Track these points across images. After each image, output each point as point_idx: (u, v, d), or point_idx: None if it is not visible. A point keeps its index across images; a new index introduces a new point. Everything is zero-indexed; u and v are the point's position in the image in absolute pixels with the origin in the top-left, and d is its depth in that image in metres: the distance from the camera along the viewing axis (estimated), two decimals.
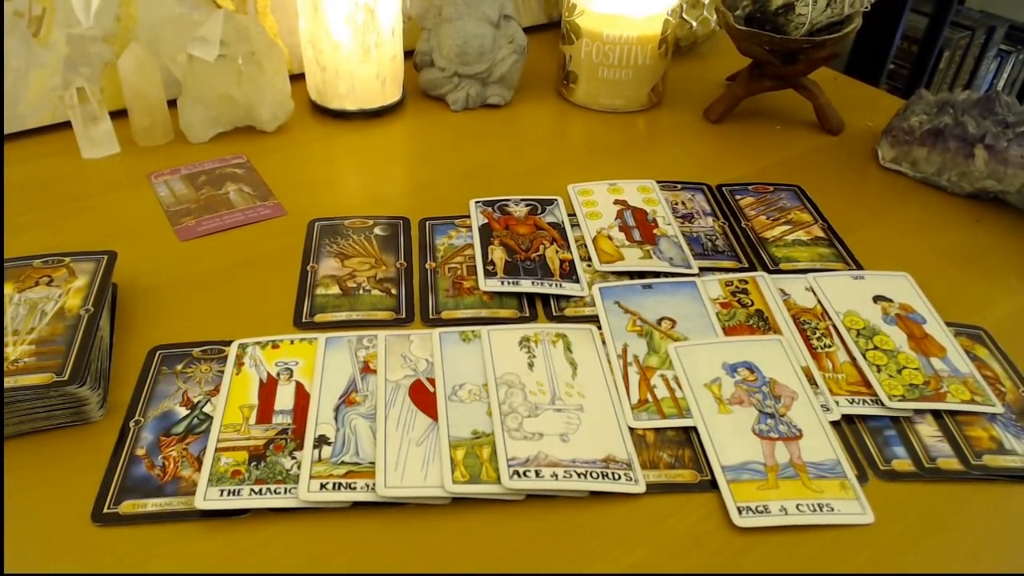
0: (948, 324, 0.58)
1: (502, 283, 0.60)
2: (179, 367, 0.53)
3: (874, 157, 0.79)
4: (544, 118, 0.86)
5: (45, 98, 0.75)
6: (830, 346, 0.56)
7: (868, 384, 0.53)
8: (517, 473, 0.46)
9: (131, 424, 0.49)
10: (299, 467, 0.46)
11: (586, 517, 0.45)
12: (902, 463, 0.49)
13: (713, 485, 0.47)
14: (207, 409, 0.50)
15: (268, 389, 0.51)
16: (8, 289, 0.53)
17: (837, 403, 0.52)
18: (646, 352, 0.55)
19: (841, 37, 0.77)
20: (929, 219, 0.71)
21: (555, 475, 0.46)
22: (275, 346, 0.54)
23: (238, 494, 0.44)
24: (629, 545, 0.44)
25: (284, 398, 0.50)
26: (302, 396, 0.51)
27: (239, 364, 0.52)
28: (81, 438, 0.48)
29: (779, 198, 0.73)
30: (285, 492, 0.45)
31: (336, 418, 0.49)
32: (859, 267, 0.64)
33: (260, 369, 0.52)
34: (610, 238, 0.65)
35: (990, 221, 0.71)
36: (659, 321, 0.57)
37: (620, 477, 0.46)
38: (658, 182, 0.73)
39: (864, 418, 0.51)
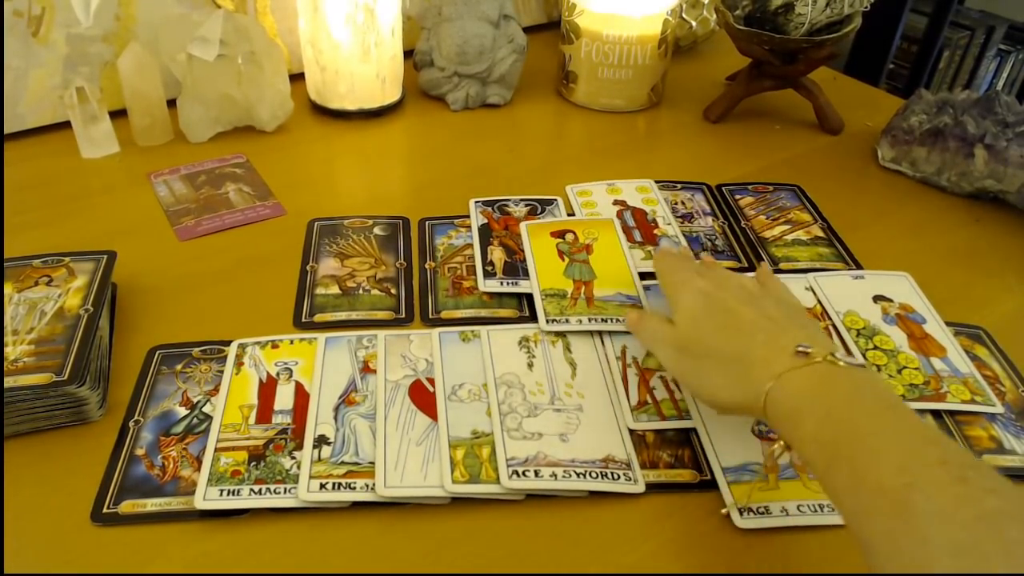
0: (948, 324, 0.58)
1: (501, 283, 0.60)
2: (179, 367, 0.53)
3: (874, 157, 0.79)
4: (544, 118, 0.86)
5: (45, 98, 0.75)
6: (852, 356, 0.56)
7: None
8: (516, 473, 0.46)
9: (131, 424, 0.49)
10: (299, 467, 0.46)
11: (586, 517, 0.45)
12: None
13: (713, 485, 0.47)
14: (207, 409, 0.50)
15: (268, 389, 0.51)
16: (8, 289, 0.53)
17: None
18: (645, 353, 0.55)
19: (841, 37, 0.77)
20: (929, 219, 0.71)
21: (554, 475, 0.46)
22: (275, 346, 0.54)
23: (238, 494, 0.44)
24: (629, 545, 0.44)
25: (284, 398, 0.50)
26: (302, 396, 0.51)
27: (239, 364, 0.52)
28: (81, 438, 0.48)
29: (779, 198, 0.73)
30: (285, 492, 0.45)
31: (336, 418, 0.49)
32: (859, 267, 0.64)
33: (260, 369, 0.52)
34: None
35: (990, 221, 0.71)
36: None
37: (619, 477, 0.46)
38: (658, 182, 0.73)
39: None
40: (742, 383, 0.43)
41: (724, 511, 0.45)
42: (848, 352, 0.40)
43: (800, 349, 0.41)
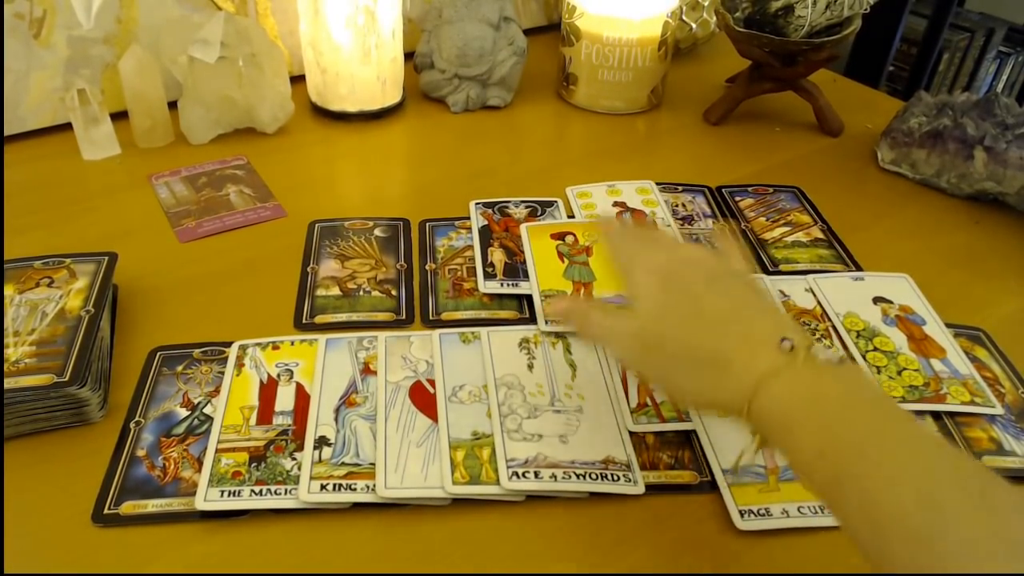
0: (948, 325, 0.58)
1: (501, 285, 0.60)
2: (180, 368, 0.53)
3: (873, 159, 0.80)
4: (544, 120, 0.87)
5: (46, 100, 0.75)
6: (830, 347, 0.56)
7: None
8: (516, 474, 0.46)
9: (131, 425, 0.49)
10: (299, 468, 0.46)
11: (586, 518, 0.45)
12: None
13: (713, 486, 0.47)
14: (207, 410, 0.50)
15: (268, 390, 0.51)
16: (9, 290, 0.53)
17: None
18: None
19: (840, 39, 0.77)
20: (929, 221, 0.72)
21: (554, 476, 0.46)
22: (275, 347, 0.54)
23: (238, 495, 0.44)
24: (629, 546, 0.44)
25: (284, 399, 0.50)
26: (302, 397, 0.51)
27: (239, 365, 0.53)
28: (81, 439, 0.48)
29: (779, 199, 0.73)
30: (285, 493, 0.45)
31: (336, 419, 0.49)
32: (859, 268, 0.64)
33: (260, 370, 0.52)
34: None
35: (989, 223, 0.71)
36: None
37: (619, 478, 0.46)
38: (658, 184, 0.73)
39: None
40: (721, 385, 0.40)
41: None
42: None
43: (784, 343, 0.38)
